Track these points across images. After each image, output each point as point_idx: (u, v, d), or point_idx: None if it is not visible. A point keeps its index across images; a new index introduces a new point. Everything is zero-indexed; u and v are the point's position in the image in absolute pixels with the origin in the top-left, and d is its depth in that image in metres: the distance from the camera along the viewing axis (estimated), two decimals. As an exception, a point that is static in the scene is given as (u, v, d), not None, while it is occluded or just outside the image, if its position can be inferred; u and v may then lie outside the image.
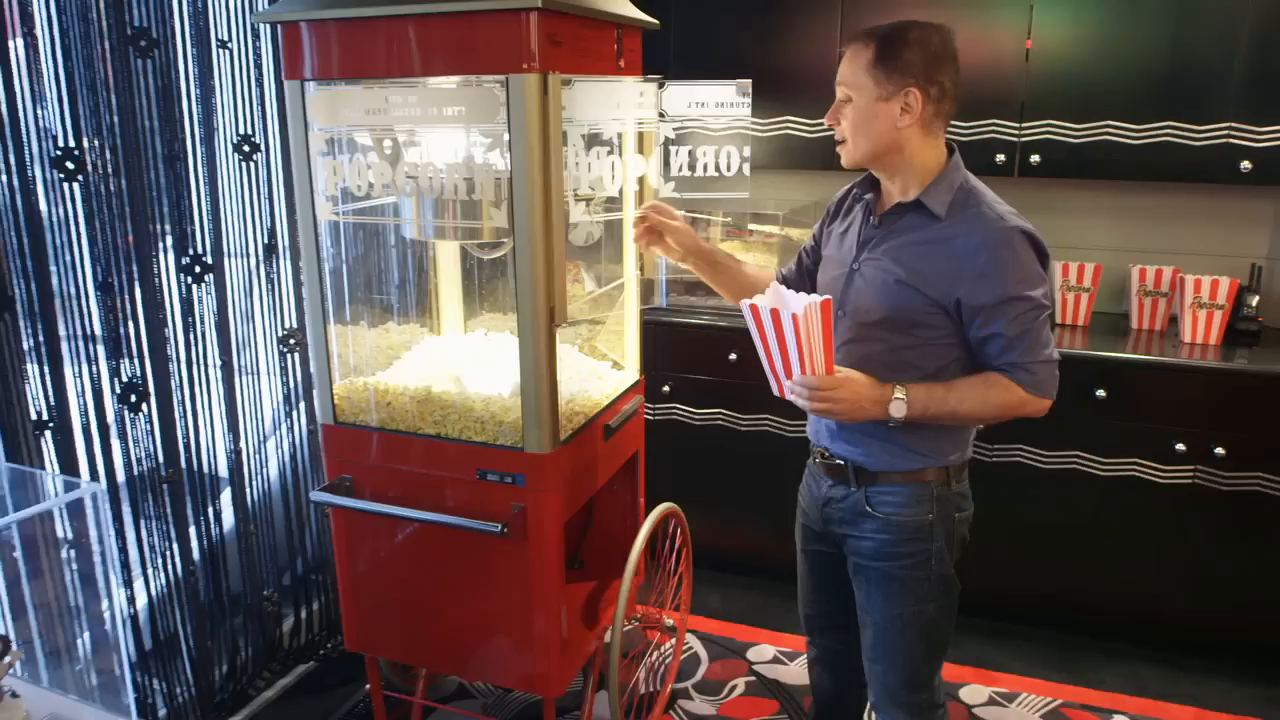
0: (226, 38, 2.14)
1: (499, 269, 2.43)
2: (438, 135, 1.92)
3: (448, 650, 2.06)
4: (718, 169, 2.15)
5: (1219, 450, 2.61)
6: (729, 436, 3.15)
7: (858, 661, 2.08)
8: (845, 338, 1.74)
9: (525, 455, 1.83)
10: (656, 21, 2.12)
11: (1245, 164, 2.64)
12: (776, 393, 1.65)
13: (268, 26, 2.21)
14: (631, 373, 2.32)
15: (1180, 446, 2.65)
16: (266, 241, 2.31)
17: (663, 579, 2.51)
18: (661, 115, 2.16)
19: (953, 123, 2.87)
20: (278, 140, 2.29)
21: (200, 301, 2.13)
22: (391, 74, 1.74)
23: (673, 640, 2.71)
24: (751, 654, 2.86)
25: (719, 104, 2.13)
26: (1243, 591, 2.69)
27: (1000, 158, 2.85)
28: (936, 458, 1.76)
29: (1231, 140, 2.65)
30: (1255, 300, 2.90)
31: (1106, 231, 3.15)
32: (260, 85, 2.22)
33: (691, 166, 2.17)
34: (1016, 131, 2.84)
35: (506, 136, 1.67)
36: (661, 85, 2.14)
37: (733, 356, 3.08)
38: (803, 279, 1.98)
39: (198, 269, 2.11)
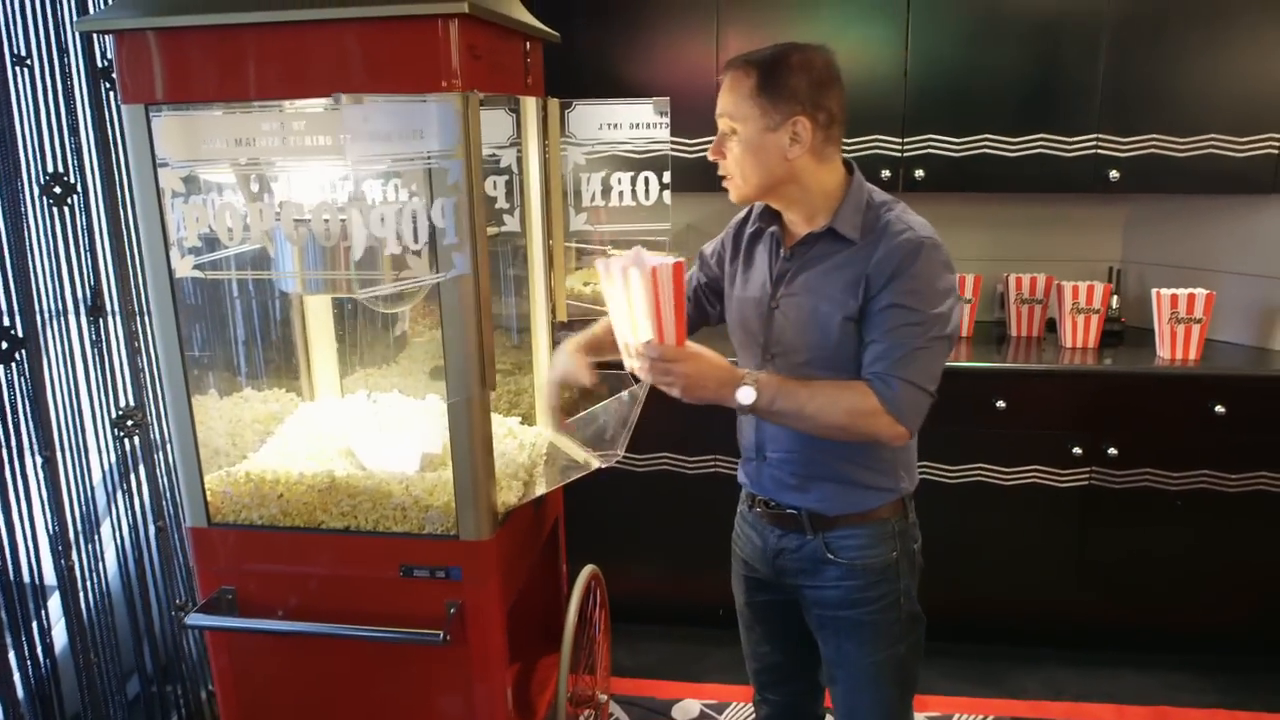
0: (24, 53, 1.71)
1: (374, 315, 2.12)
2: (315, 168, 1.60)
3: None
4: (634, 197, 1.95)
5: (1112, 450, 2.69)
6: (623, 479, 2.93)
7: (814, 710, 1.97)
8: None
9: (461, 544, 1.54)
10: (558, 34, 1.89)
11: (1114, 173, 2.73)
12: (628, 365, 1.52)
13: (78, 38, 1.79)
14: (545, 429, 2.07)
15: (1076, 450, 2.70)
16: (90, 303, 1.88)
17: (588, 647, 2.27)
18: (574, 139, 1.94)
19: (835, 139, 2.86)
20: (98, 178, 1.87)
21: (11, 385, 1.68)
22: (270, 95, 1.42)
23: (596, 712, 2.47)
24: (677, 712, 2.66)
25: (634, 124, 1.93)
26: (1138, 584, 2.78)
27: (885, 173, 2.82)
28: (893, 491, 1.65)
29: (1100, 151, 2.74)
30: (1116, 301, 3.03)
31: (979, 243, 3.21)
32: (72, 111, 1.80)
33: (605, 195, 1.96)
34: (899, 146, 2.82)
35: (426, 170, 1.39)
36: (569, 105, 1.91)
37: (624, 396, 2.87)
38: (700, 309, 1.84)
39: (3, 344, 1.66)
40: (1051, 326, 3.07)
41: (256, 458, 1.79)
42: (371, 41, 1.35)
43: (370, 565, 1.57)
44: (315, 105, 1.49)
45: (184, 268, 1.51)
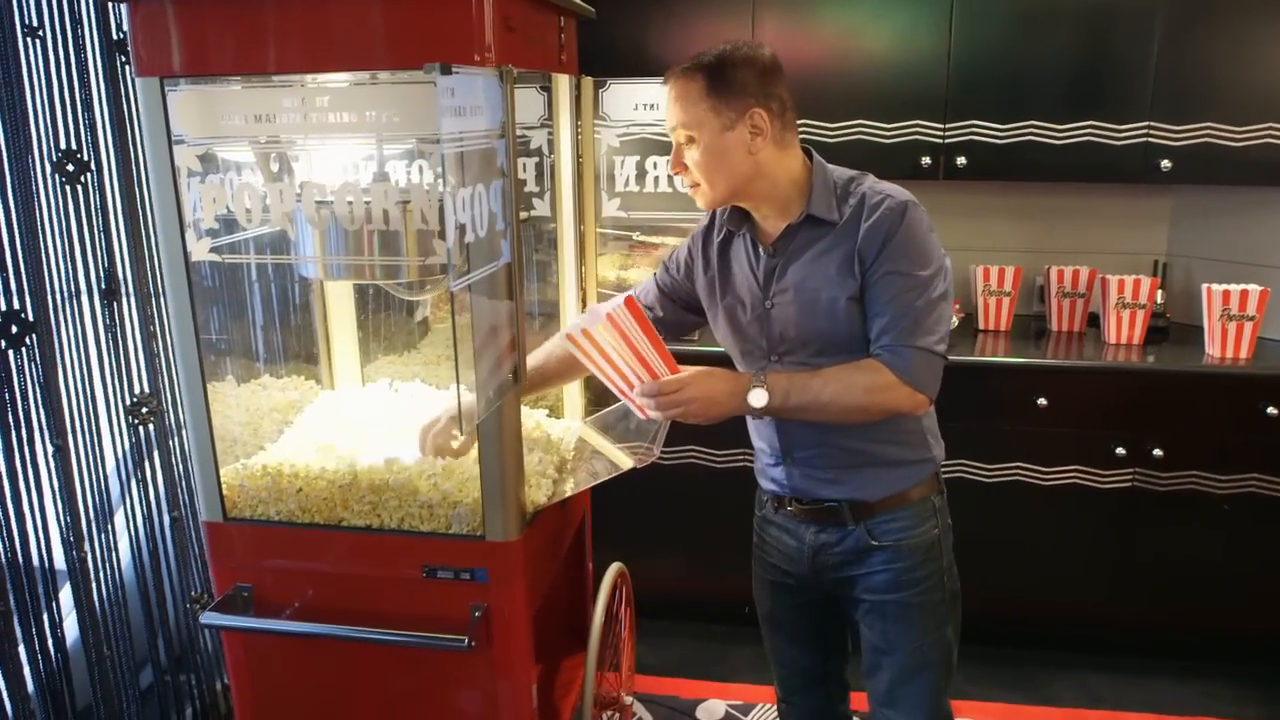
0: (36, 23, 1.63)
1: (395, 301, 2.04)
2: (338, 148, 1.52)
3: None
4: (670, 183, 1.86)
5: (1156, 451, 2.58)
6: (649, 472, 2.84)
7: (842, 712, 1.93)
8: None
9: (487, 545, 1.47)
10: (592, 10, 1.80)
11: (1165, 163, 2.62)
12: (640, 415, 1.52)
13: (93, 8, 1.71)
14: (574, 422, 1.99)
15: (1120, 450, 2.60)
16: (104, 286, 1.81)
17: (613, 646, 2.20)
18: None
19: (876, 124, 2.75)
20: (114, 155, 1.79)
21: (20, 370, 1.61)
22: (290, 68, 1.33)
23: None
24: (701, 713, 2.59)
25: (671, 106, 1.84)
26: (1180, 589, 2.68)
27: (925, 160, 2.71)
28: (928, 461, 1.62)
29: (1151, 139, 2.62)
30: (1162, 296, 2.92)
31: (1018, 233, 3.10)
32: (86, 85, 1.72)
33: (640, 180, 1.87)
34: (941, 133, 2.71)
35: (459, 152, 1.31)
36: (603, 84, 1.83)
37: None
38: (672, 311, 1.77)
39: (14, 328, 1.60)
40: (1094, 321, 2.97)
41: (275, 449, 1.72)
42: (399, 11, 1.27)
43: (392, 565, 1.50)
44: (339, 80, 1.41)
45: (200, 250, 1.43)
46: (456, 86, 1.13)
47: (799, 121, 2.67)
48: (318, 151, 1.49)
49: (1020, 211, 3.06)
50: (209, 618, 1.49)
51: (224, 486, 1.54)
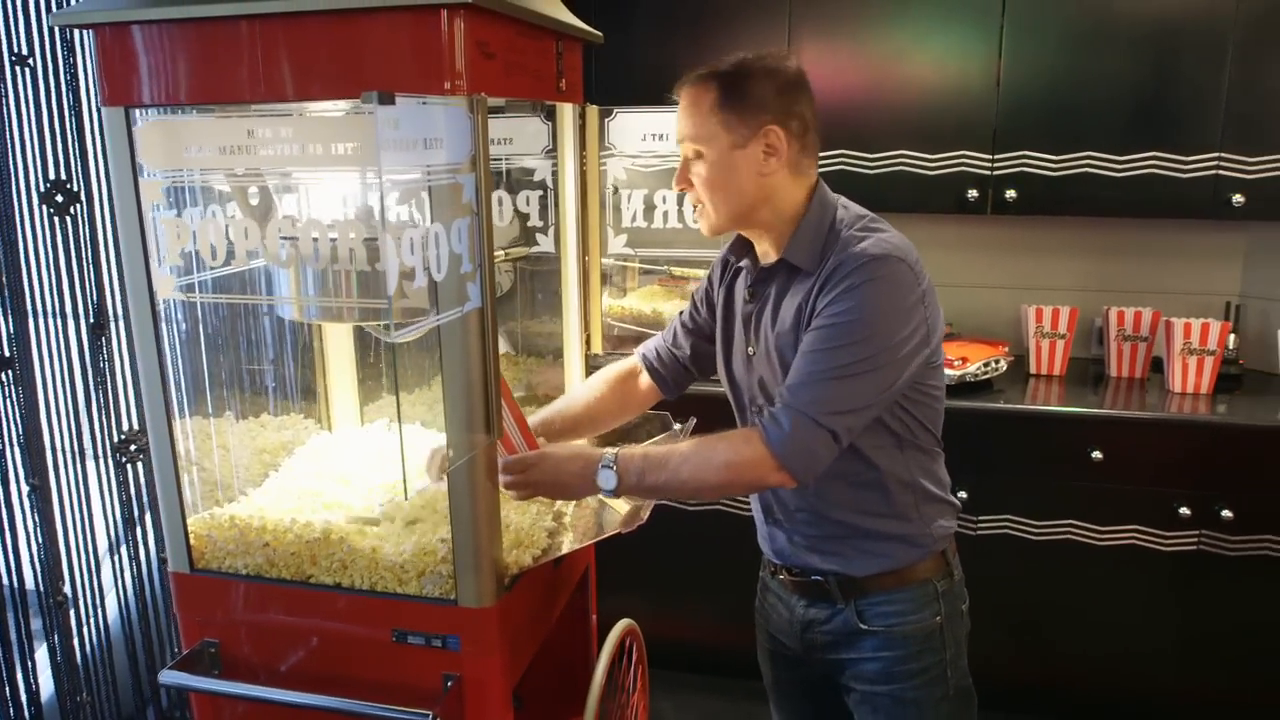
0: (26, 51, 1.59)
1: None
2: (323, 180, 1.44)
3: None
4: (681, 218, 1.74)
5: (1225, 513, 2.35)
6: (678, 517, 2.72)
7: None
8: None
9: (460, 611, 1.35)
10: (600, 34, 1.69)
11: (1237, 197, 2.41)
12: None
13: (88, 37, 1.67)
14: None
15: (1184, 510, 2.38)
16: (93, 320, 1.75)
17: (619, 707, 2.06)
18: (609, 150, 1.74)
19: (919, 155, 2.59)
20: (106, 186, 1.75)
21: (-5, 407, 1.56)
22: (256, 97, 1.25)
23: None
24: (720, 779, 2.43)
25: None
26: (1250, 663, 2.44)
27: (972, 193, 2.55)
28: (924, 540, 1.44)
29: (1221, 172, 2.42)
30: (1235, 341, 2.69)
31: (1074, 271, 2.89)
32: (78, 114, 1.68)
33: (648, 215, 1.75)
34: (989, 164, 2.54)
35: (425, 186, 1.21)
36: (609, 114, 1.72)
37: (690, 421, 2.66)
38: (680, 357, 1.65)
39: (-10, 363, 1.55)
40: (1157, 367, 2.74)
41: (256, 494, 1.63)
42: (366, 36, 1.18)
43: (361, 627, 1.40)
44: (308, 110, 1.33)
45: (165, 288, 1.36)
46: (403, 118, 1.03)
47: (837, 152, 2.60)
48: (289, 186, 1.41)
49: (1076, 248, 2.86)
50: (168, 676, 1.40)
51: (191, 536, 1.46)
